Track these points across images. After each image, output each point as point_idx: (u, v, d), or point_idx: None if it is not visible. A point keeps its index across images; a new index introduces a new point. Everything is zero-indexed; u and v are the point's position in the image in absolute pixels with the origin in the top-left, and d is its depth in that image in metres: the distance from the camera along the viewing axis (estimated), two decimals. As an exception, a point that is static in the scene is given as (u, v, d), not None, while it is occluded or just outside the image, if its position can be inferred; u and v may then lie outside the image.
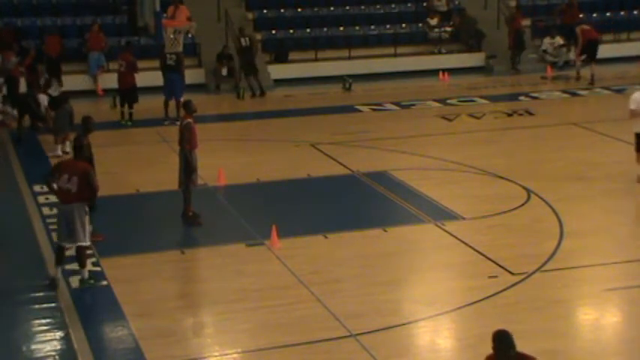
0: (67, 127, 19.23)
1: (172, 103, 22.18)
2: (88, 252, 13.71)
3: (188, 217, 14.99)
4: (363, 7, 30.16)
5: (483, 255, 13.41)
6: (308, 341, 10.80)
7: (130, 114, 22.02)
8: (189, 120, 14.85)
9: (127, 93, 22.08)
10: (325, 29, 29.17)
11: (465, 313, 11.64)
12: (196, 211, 15.05)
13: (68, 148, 19.37)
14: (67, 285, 12.56)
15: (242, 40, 25.89)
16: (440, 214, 15.24)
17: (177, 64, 22.38)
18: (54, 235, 14.43)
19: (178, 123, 15.94)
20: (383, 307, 11.77)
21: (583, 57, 26.25)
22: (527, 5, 31.04)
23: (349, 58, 28.47)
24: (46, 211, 15.70)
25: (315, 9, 29.77)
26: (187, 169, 14.78)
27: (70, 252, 13.66)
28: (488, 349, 10.62)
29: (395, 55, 28.90)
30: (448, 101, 24.46)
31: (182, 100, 21.33)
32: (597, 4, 31.72)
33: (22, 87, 22.64)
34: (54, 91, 20.79)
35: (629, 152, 17.33)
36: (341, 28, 29.34)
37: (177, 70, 22.39)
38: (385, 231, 14.59)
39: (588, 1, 31.34)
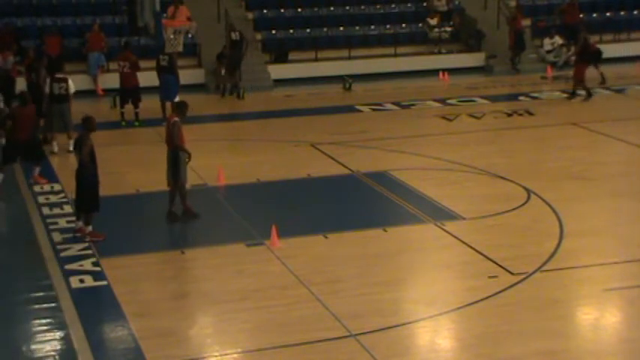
0: (54, 127, 19.45)
1: (169, 103, 22.21)
2: (88, 252, 13.77)
3: (184, 214, 15.05)
4: (363, 7, 30.18)
5: (483, 255, 13.41)
6: (308, 341, 10.80)
7: (137, 114, 22.02)
8: (176, 119, 14.91)
9: (131, 93, 22.07)
10: (325, 29, 29.18)
11: (465, 313, 11.64)
12: (176, 212, 15.08)
13: (56, 149, 19.42)
14: (67, 285, 12.57)
15: (232, 34, 25.96)
16: (440, 214, 15.24)
17: (170, 65, 22.40)
18: (54, 235, 14.52)
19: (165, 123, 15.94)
20: (383, 307, 11.77)
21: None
22: (527, 5, 31.05)
23: (349, 58, 28.48)
24: (46, 211, 15.71)
25: (315, 9, 29.79)
26: (175, 167, 14.84)
27: (72, 252, 13.74)
28: (488, 349, 10.67)
29: (395, 55, 28.91)
30: (448, 101, 24.46)
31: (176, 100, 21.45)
32: (597, 4, 31.74)
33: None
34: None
35: (629, 152, 17.35)
36: (341, 28, 29.35)
37: (171, 71, 22.41)
38: (385, 231, 14.59)
39: (588, 1, 31.36)
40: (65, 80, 19.66)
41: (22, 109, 17.37)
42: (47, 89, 19.65)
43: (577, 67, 24.38)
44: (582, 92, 24.07)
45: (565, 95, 24.11)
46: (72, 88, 19.69)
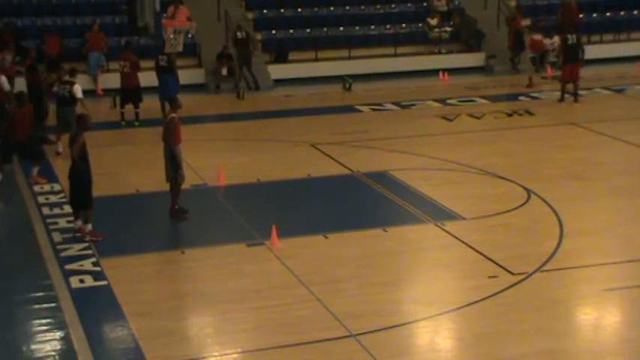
0: (63, 128, 19.45)
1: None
2: (88, 252, 13.77)
3: (174, 212, 15.03)
4: (363, 7, 30.19)
5: (483, 255, 13.41)
6: (308, 341, 10.80)
7: (137, 114, 22.03)
8: (174, 115, 14.94)
9: (132, 93, 22.08)
10: (325, 29, 29.19)
11: (465, 313, 11.64)
12: (184, 207, 15.09)
13: (61, 149, 19.39)
14: (67, 285, 12.57)
15: (238, 33, 26.00)
16: (440, 214, 15.24)
17: (169, 65, 22.42)
18: (54, 235, 14.52)
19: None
20: (383, 307, 11.77)
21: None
22: (527, 5, 31.05)
23: (349, 58, 28.49)
24: (46, 211, 15.71)
25: (315, 9, 29.79)
26: (174, 163, 14.85)
27: (72, 252, 13.74)
28: (488, 349, 10.67)
29: (395, 55, 28.92)
30: (448, 101, 24.47)
31: None
32: (597, 4, 31.75)
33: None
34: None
35: (629, 152, 17.35)
36: (341, 28, 29.36)
37: (170, 71, 22.43)
38: (385, 231, 14.58)
39: (588, 1, 31.36)
40: (71, 83, 19.58)
41: (19, 109, 17.34)
42: (55, 90, 19.63)
43: (561, 69, 24.43)
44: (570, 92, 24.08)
45: (567, 96, 24.08)
46: (79, 93, 19.55)
